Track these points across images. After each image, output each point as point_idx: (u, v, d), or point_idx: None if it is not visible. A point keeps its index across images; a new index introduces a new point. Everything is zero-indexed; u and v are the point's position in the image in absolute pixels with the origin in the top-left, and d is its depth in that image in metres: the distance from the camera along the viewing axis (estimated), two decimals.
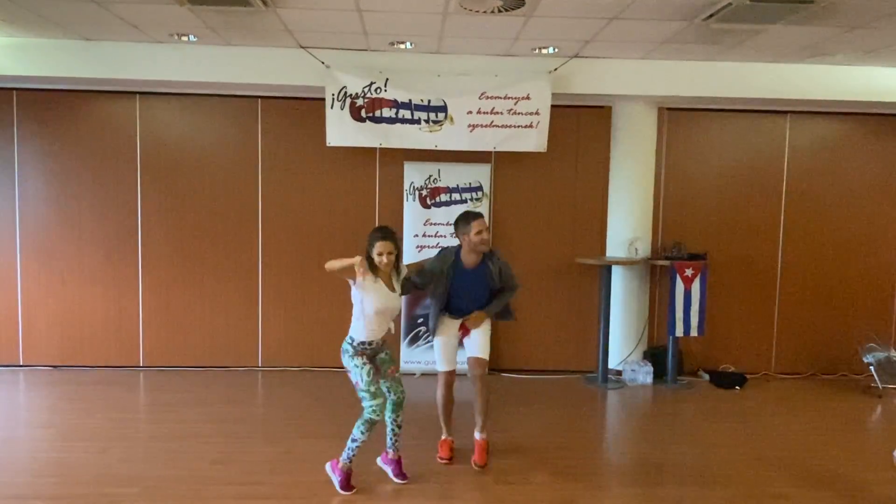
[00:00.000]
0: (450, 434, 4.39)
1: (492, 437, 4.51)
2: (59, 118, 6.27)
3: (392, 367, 3.98)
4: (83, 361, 6.41)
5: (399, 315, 4.00)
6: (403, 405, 4.00)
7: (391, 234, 3.84)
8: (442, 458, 4.28)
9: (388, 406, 3.92)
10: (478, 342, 4.24)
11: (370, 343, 3.84)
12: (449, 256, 4.18)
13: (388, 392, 3.93)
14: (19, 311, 6.37)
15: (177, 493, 3.74)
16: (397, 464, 4.00)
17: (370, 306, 3.76)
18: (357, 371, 3.77)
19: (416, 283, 4.16)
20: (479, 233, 4.07)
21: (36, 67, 5.72)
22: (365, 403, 3.75)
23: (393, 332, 4.02)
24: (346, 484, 3.81)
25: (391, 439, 4.01)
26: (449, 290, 4.18)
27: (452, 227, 4.30)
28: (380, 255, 3.76)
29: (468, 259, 4.17)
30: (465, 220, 4.15)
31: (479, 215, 4.17)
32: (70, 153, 6.30)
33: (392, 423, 3.98)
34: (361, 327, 3.81)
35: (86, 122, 6.30)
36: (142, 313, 6.44)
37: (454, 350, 4.29)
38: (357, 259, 3.63)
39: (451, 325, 4.27)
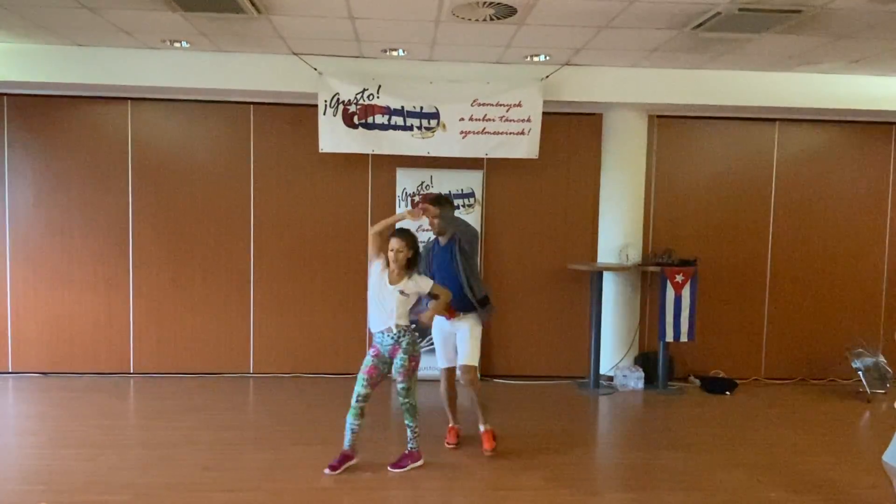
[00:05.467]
0: (456, 422, 4.74)
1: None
2: (50, 124, 6.25)
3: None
4: (73, 368, 6.37)
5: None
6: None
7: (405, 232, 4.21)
8: (449, 444, 4.63)
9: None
10: (462, 349, 4.52)
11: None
12: (430, 241, 4.68)
13: None
14: (9, 317, 6.32)
15: (168, 501, 3.73)
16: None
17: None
18: None
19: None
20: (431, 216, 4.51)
21: (27, 73, 5.70)
22: None
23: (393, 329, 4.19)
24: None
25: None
26: (430, 266, 4.53)
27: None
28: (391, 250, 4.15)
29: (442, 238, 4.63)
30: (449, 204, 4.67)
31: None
32: (61, 159, 6.27)
33: None
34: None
35: (77, 127, 6.28)
36: (132, 319, 6.41)
37: (450, 346, 4.61)
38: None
39: (441, 321, 4.54)
